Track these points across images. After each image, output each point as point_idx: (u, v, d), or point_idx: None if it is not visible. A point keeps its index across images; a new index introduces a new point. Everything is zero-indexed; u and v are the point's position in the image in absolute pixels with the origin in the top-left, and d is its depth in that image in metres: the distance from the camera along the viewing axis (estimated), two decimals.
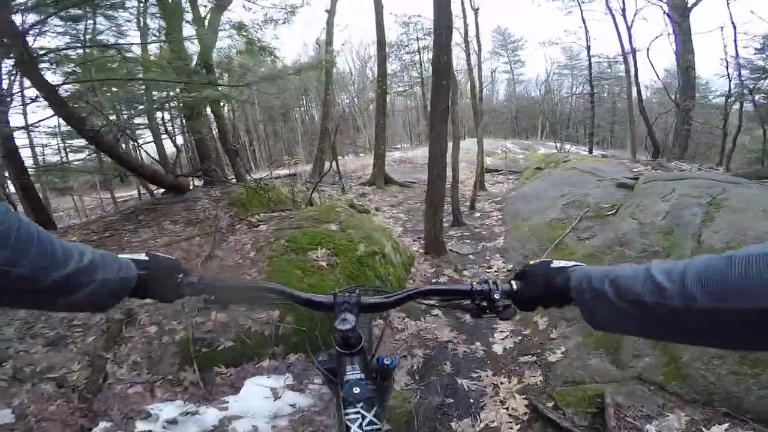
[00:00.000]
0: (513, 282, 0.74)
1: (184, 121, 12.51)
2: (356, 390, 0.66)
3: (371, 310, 0.80)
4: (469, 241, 6.45)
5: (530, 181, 8.64)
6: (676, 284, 0.47)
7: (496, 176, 14.91)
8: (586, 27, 16.69)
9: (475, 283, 0.74)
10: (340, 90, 40.24)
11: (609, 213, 4.68)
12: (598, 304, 0.57)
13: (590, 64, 16.71)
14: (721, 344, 0.53)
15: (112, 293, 0.64)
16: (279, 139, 39.07)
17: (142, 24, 8.03)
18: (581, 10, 16.37)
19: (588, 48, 16.50)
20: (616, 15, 13.56)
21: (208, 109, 9.80)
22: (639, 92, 13.60)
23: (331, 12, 14.99)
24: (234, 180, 11.21)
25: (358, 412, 0.64)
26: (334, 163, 12.98)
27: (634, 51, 13.33)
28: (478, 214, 8.44)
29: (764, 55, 17.63)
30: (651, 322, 0.51)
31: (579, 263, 0.68)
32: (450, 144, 6.74)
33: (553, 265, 0.69)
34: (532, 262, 0.74)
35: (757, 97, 17.97)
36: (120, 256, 0.69)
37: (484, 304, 0.72)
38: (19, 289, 0.49)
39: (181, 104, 8.62)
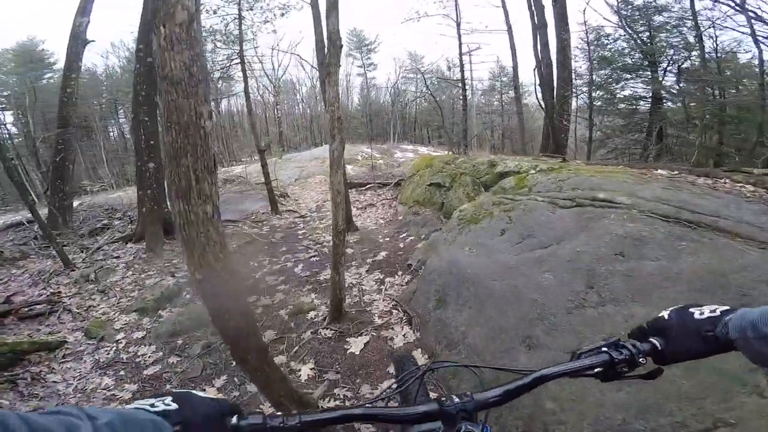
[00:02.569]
0: (653, 339, 0.62)
1: None
2: None
3: (489, 407, 0.59)
4: None
5: (464, 226, 3.45)
6: None
7: (363, 192, 9.74)
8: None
9: (611, 351, 0.61)
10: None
11: None
12: (766, 347, 0.52)
13: (460, 45, 13.02)
14: None
15: None
16: (78, 160, 27.33)
17: None
18: None
19: (458, 25, 12.76)
20: None
21: None
22: (517, 87, 10.11)
23: None
24: None
25: None
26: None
27: (510, 29, 9.72)
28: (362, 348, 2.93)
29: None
30: None
31: (725, 306, 0.60)
32: None
33: (697, 316, 0.60)
34: (666, 315, 0.63)
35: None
36: (138, 407, 0.47)
37: (626, 369, 0.60)
38: None
39: None
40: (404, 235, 5.12)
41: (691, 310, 0.62)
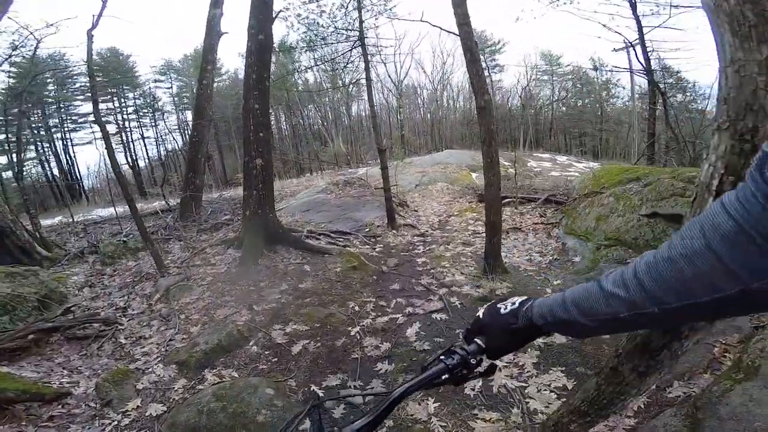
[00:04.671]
0: (477, 340, 0.66)
1: None
2: None
3: None
4: None
5: None
6: (637, 290, 0.45)
7: (525, 213, 7.47)
8: None
9: (446, 359, 0.64)
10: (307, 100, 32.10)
11: None
12: (572, 329, 0.55)
13: (640, 28, 9.41)
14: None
15: None
16: (233, 154, 31.25)
17: None
18: None
19: (633, 4, 9.37)
20: None
21: None
22: None
23: None
24: None
25: None
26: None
27: None
28: None
29: None
30: (628, 326, 0.50)
31: (524, 297, 0.64)
32: None
33: (503, 311, 0.64)
34: (481, 314, 0.68)
35: None
36: None
37: (464, 372, 0.65)
38: None
39: None
40: None
41: (498, 305, 0.65)
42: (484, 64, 31.72)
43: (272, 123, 34.14)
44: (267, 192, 5.04)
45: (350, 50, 6.41)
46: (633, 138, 19.17)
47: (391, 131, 30.49)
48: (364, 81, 6.34)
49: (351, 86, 20.81)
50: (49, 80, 25.88)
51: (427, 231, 6.09)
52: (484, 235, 5.63)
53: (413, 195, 9.86)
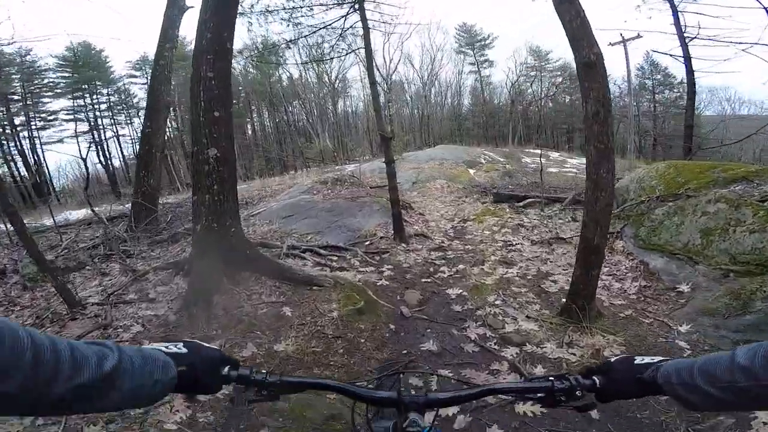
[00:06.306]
0: (595, 377, 0.63)
1: None
2: None
3: (439, 406, 0.64)
4: None
5: None
6: (763, 361, 0.45)
7: (524, 212, 6.22)
8: None
9: (555, 380, 0.61)
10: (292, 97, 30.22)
11: None
12: (691, 395, 0.53)
13: (675, 11, 8.13)
14: None
15: (147, 397, 0.49)
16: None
17: None
18: None
19: None
20: None
21: None
22: None
23: None
24: None
25: None
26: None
27: None
28: None
29: None
30: (746, 402, 0.49)
31: (665, 357, 0.61)
32: None
33: (637, 362, 0.62)
34: (615, 359, 0.64)
35: None
36: (155, 347, 0.53)
37: (563, 398, 0.62)
38: (12, 404, 0.35)
39: None
40: None
41: (635, 357, 0.63)
42: (473, 59, 30.16)
43: (254, 119, 32.10)
44: (226, 196, 3.44)
45: (345, 17, 4.93)
46: (629, 134, 18.20)
47: None
48: (356, 62, 4.89)
49: (344, 60, 19.10)
50: (14, 75, 23.49)
51: (443, 242, 4.69)
52: (519, 247, 4.30)
53: (412, 194, 8.48)
